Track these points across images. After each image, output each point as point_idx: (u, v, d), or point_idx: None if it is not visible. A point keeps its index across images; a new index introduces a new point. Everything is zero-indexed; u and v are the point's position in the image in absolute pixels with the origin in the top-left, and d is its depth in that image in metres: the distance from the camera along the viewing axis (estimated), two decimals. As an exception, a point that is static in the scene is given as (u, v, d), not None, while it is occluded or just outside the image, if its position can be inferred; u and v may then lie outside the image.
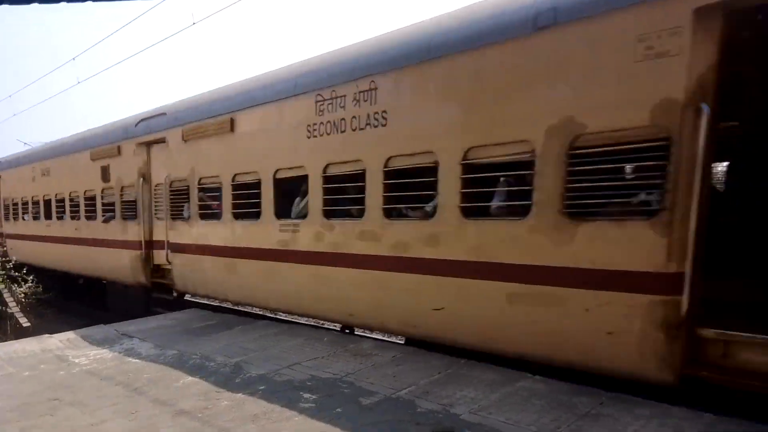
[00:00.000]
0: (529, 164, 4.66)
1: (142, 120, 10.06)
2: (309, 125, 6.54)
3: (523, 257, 4.76)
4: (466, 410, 4.15)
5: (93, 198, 11.49)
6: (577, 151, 4.35)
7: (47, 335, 7.53)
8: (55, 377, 5.62)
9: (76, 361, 6.19)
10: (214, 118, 8.10)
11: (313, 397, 4.57)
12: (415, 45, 5.56)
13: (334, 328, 7.04)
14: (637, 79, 4.02)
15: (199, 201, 8.63)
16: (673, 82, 3.86)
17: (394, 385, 4.76)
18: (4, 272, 11.22)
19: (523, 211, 4.75)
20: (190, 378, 5.29)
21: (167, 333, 7.38)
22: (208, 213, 8.65)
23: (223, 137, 7.98)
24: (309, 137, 6.56)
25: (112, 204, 10.88)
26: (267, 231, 7.34)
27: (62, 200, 12.77)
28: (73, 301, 13.72)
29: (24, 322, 8.07)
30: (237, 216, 7.89)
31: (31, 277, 10.95)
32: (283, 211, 7.15)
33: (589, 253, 4.36)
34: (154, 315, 9.00)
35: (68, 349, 6.73)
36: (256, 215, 7.47)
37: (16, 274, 11.11)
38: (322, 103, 6.37)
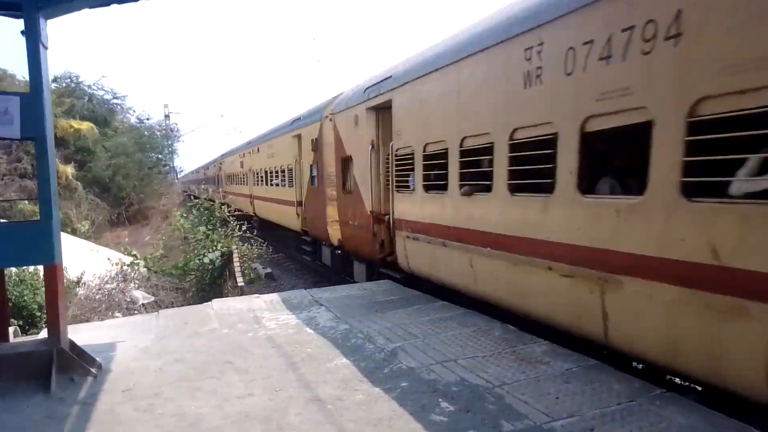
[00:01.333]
0: None
1: None
2: None
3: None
4: (636, 470, 3.06)
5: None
6: None
7: (256, 295, 8.42)
8: (242, 339, 6.11)
9: (267, 324, 6.68)
10: None
11: (450, 408, 3.95)
12: None
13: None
14: None
15: None
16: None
17: (552, 409, 3.83)
18: (239, 234, 13.21)
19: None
20: (343, 360, 5.16)
21: (352, 303, 7.51)
22: None
23: None
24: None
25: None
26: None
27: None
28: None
29: (240, 281, 9.23)
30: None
31: (261, 241, 12.67)
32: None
33: None
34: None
35: (267, 311, 7.33)
36: None
37: (249, 235, 12.99)
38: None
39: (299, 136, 13.84)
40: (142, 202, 35.37)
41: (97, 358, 5.39)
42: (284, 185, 15.37)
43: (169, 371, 5.16)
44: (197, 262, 11.25)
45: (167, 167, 41.89)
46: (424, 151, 7.70)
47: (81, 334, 6.52)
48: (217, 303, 7.88)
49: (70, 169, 31.30)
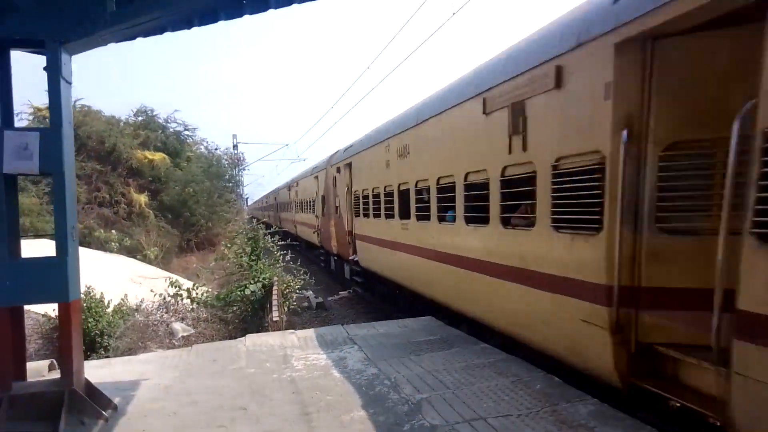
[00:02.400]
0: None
1: None
2: None
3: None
4: None
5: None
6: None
7: (291, 331, 8.11)
8: (265, 380, 5.80)
9: (294, 364, 6.34)
10: None
11: (468, 483, 3.40)
12: None
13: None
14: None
15: None
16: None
17: (590, 493, 3.19)
18: (282, 266, 13.16)
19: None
20: (361, 412, 4.70)
21: (387, 343, 7.05)
22: None
23: None
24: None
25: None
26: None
27: None
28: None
29: (275, 317, 9.01)
30: None
31: (303, 270, 12.51)
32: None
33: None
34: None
35: (298, 349, 7.01)
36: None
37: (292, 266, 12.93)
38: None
39: None
40: (210, 229, 36.57)
41: (116, 398, 5.24)
42: None
43: (182, 415, 4.91)
44: (239, 293, 11.20)
45: (234, 195, 43.25)
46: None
47: (111, 369, 6.48)
48: (250, 339, 7.65)
49: (144, 198, 33.00)
